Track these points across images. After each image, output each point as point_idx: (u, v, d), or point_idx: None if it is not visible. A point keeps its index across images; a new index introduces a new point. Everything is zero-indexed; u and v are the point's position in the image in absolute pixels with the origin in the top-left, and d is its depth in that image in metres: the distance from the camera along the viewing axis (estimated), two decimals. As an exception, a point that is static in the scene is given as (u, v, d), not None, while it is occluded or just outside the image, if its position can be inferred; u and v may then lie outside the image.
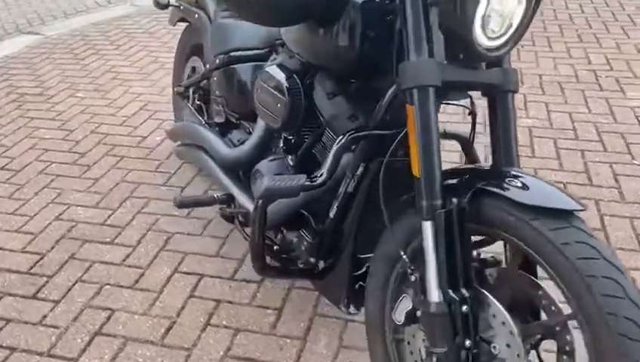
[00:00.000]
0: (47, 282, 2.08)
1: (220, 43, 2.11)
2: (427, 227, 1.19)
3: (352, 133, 1.43)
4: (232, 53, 2.04)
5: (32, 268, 2.16)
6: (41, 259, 2.20)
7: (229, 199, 1.81)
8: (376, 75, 1.47)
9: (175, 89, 2.63)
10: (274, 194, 1.48)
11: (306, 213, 1.68)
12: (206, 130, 2.11)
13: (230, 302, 1.97)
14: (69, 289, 2.04)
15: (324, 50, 1.47)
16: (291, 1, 1.28)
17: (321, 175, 1.43)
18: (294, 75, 1.62)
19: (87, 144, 3.01)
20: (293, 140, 1.75)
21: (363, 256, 1.60)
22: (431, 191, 1.19)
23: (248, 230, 1.83)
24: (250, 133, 2.00)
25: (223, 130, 2.13)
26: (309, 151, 1.69)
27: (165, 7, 2.52)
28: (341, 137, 1.44)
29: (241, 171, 1.97)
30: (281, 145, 1.79)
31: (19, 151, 2.96)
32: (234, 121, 2.09)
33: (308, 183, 1.41)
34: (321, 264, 1.63)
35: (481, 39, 1.22)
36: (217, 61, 2.09)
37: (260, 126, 1.86)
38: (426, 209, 1.19)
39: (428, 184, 1.19)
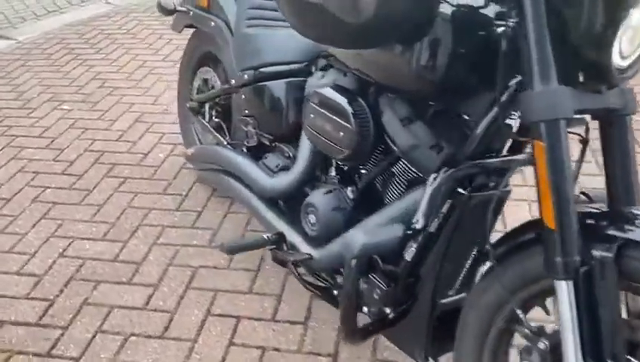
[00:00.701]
0: (62, 335, 1.83)
1: (248, 56, 1.87)
2: (564, 288, 1.01)
3: (451, 170, 1.22)
4: (266, 69, 1.81)
5: (41, 317, 1.90)
6: (51, 305, 1.94)
7: (281, 239, 1.58)
8: (463, 97, 1.26)
9: (187, 104, 2.38)
10: (373, 252, 1.27)
11: (374, 256, 1.48)
12: (238, 154, 1.88)
13: (277, 350, 1.75)
14: (89, 343, 1.79)
15: (401, 68, 1.26)
16: (387, 20, 1.06)
17: (417, 221, 1.22)
18: (358, 98, 1.41)
19: (82, 164, 2.73)
20: (351, 170, 1.54)
21: (444, 300, 1.41)
22: (569, 246, 1.00)
23: (305, 274, 1.62)
24: (289, 157, 1.77)
25: (256, 153, 1.90)
26: (373, 183, 1.49)
27: (171, 12, 2.26)
28: (437, 175, 1.23)
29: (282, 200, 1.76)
30: (334, 173, 1.58)
31: (6, 176, 2.67)
32: (267, 143, 1.86)
33: (409, 233, 1.20)
34: (394, 311, 1.43)
35: (616, 59, 1.03)
36: (246, 77, 1.86)
37: (305, 151, 1.65)
38: (563, 267, 1.00)
39: (565, 237, 1.00)
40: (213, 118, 2.21)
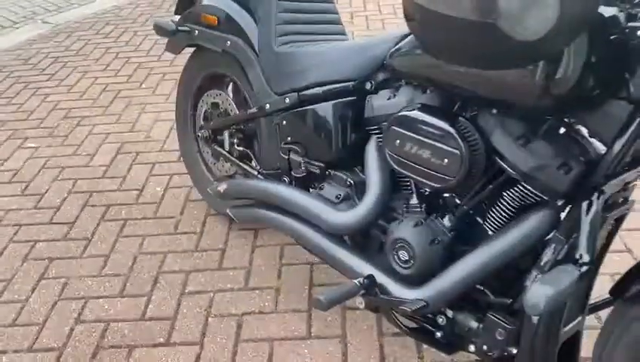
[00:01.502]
0: (108, 419, 1.57)
1: (286, 77, 1.67)
2: None
3: (603, 193, 1.09)
4: (311, 91, 1.62)
5: (76, 401, 1.63)
6: (83, 384, 1.68)
7: (373, 282, 1.40)
8: (591, 109, 1.14)
9: (199, 132, 2.14)
10: (559, 302, 1.11)
11: (482, 288, 1.33)
12: (290, 188, 1.67)
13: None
14: (145, 424, 1.55)
15: (522, 81, 1.11)
16: (564, 32, 0.90)
17: (580, 256, 1.08)
18: (460, 117, 1.25)
19: (70, 209, 2.43)
20: (442, 197, 1.38)
21: (565, 328, 1.29)
22: None
23: (402, 318, 1.45)
24: (350, 185, 1.59)
25: (304, 184, 1.71)
26: (477, 211, 1.34)
27: (173, 33, 2.01)
28: (590, 202, 1.09)
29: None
30: (416, 201, 1.42)
31: (-17, 233, 2.33)
32: (318, 172, 1.67)
33: (583, 271, 1.05)
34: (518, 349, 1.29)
35: None
36: (288, 100, 1.66)
37: (376, 178, 1.48)
38: None
39: None
40: (236, 145, 1.99)
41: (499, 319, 1.27)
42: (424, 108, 1.31)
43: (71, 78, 3.64)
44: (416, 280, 1.37)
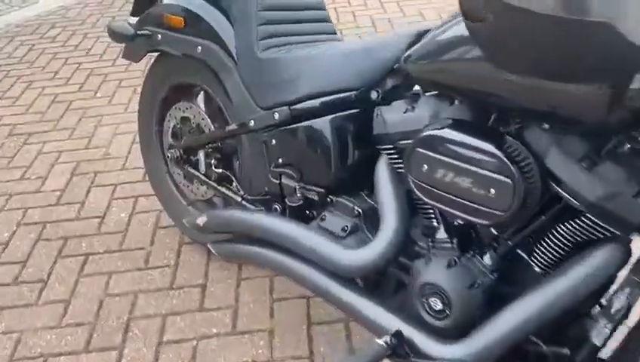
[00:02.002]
0: None
1: (275, 88, 1.41)
2: None
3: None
4: (305, 104, 1.35)
5: None
6: None
7: (401, 340, 1.15)
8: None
9: (168, 153, 1.84)
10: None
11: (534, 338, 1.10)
12: (284, 221, 1.41)
13: None
14: None
15: (587, 90, 0.88)
16: None
17: None
18: (507, 136, 1.01)
19: (21, 245, 2.10)
20: (485, 231, 1.14)
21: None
22: None
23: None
24: (358, 214, 1.34)
25: (301, 213, 1.45)
26: (522, 245, 1.10)
27: (132, 38, 1.71)
28: None
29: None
30: (444, 235, 1.18)
31: None
32: (317, 199, 1.41)
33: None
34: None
35: None
36: (278, 116, 1.39)
37: (392, 206, 1.23)
38: None
39: None
40: (214, 167, 1.71)
41: None
42: (458, 124, 1.06)
43: (15, 89, 3.27)
44: (453, 333, 1.13)
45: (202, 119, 1.75)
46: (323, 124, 1.34)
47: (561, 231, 1.04)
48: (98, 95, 3.15)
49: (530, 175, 0.98)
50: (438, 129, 1.06)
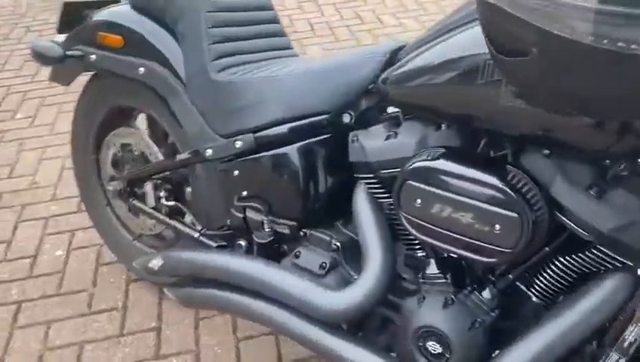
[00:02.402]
0: None
1: (233, 114, 1.26)
2: None
3: None
4: (271, 131, 1.22)
5: None
6: None
7: None
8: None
9: (110, 186, 1.65)
10: None
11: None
12: (253, 261, 1.26)
13: None
14: None
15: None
16: None
17: None
18: (508, 165, 0.92)
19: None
20: (484, 266, 1.05)
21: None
22: None
23: None
24: (336, 248, 1.22)
25: (273, 250, 1.31)
26: (520, 278, 1.02)
27: (61, 60, 1.51)
28: None
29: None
30: (435, 270, 1.08)
31: None
32: (288, 233, 1.28)
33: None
34: None
35: None
36: (240, 144, 1.25)
37: (375, 238, 1.12)
38: None
39: None
40: (164, 200, 1.54)
41: None
42: (452, 153, 0.97)
43: None
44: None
45: (147, 146, 1.58)
46: (292, 151, 1.21)
47: (565, 263, 0.96)
48: (18, 116, 2.86)
49: (538, 207, 0.89)
50: (431, 159, 0.96)
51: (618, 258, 0.91)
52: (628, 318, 0.93)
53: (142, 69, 1.40)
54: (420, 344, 1.06)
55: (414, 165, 0.98)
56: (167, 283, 1.46)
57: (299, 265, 1.24)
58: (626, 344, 0.93)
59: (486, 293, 1.04)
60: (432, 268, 1.09)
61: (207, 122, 1.32)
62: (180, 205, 1.53)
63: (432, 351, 1.05)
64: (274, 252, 1.31)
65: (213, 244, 1.42)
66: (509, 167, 0.92)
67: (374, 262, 1.11)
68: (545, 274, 1.00)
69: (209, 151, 1.31)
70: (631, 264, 0.91)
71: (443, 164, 0.95)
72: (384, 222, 1.14)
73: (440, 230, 0.97)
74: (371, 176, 1.12)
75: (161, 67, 1.38)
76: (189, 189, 1.49)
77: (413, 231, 1.01)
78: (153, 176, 1.55)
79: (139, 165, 1.59)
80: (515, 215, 0.88)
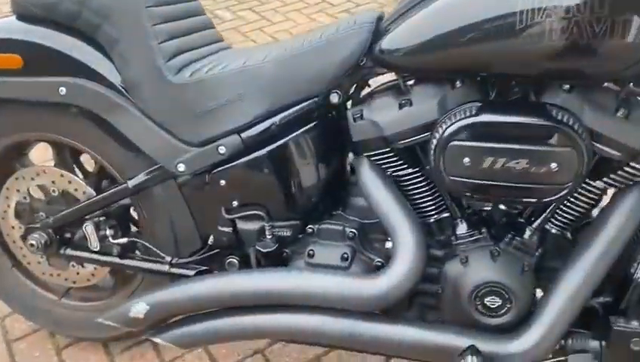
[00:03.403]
0: None
1: (207, 117, 1.11)
2: None
3: None
4: (259, 127, 1.10)
5: None
6: None
7: (477, 353, 1.01)
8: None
9: (31, 241, 1.34)
10: None
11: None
12: (267, 273, 1.12)
13: None
14: None
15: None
16: None
17: None
18: (548, 105, 0.94)
19: None
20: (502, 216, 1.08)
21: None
22: None
23: None
24: (352, 236, 1.15)
25: (277, 258, 1.18)
26: (558, 216, 1.06)
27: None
28: None
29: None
30: (464, 229, 1.08)
31: None
32: (289, 235, 1.17)
33: None
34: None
35: None
36: (224, 149, 1.11)
37: (400, 213, 1.07)
38: None
39: None
40: (110, 239, 1.29)
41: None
42: (489, 105, 0.97)
43: None
44: (515, 325, 1.06)
45: (69, 182, 1.33)
46: (286, 144, 1.11)
47: (591, 189, 1.03)
48: None
49: (584, 137, 0.93)
50: (473, 115, 0.95)
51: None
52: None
53: (63, 89, 1.16)
54: (478, 303, 1.06)
55: (456, 125, 0.95)
56: (147, 331, 1.24)
57: (317, 264, 1.15)
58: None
59: (526, 236, 1.06)
60: (463, 228, 1.09)
61: (170, 133, 1.14)
62: (135, 239, 1.31)
63: (491, 306, 1.05)
64: (278, 259, 1.19)
65: (190, 273, 1.26)
66: (548, 106, 0.94)
67: (406, 238, 1.07)
68: (575, 203, 1.05)
69: (181, 166, 1.14)
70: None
71: (487, 117, 0.94)
72: (401, 196, 1.10)
73: (493, 183, 0.96)
74: (386, 150, 1.07)
75: (90, 82, 1.16)
76: (143, 218, 1.29)
77: (462, 191, 0.99)
78: (87, 216, 1.30)
79: (62, 207, 1.33)
80: (570, 149, 0.91)
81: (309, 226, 1.17)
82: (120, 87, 1.16)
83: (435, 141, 0.98)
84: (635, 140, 0.95)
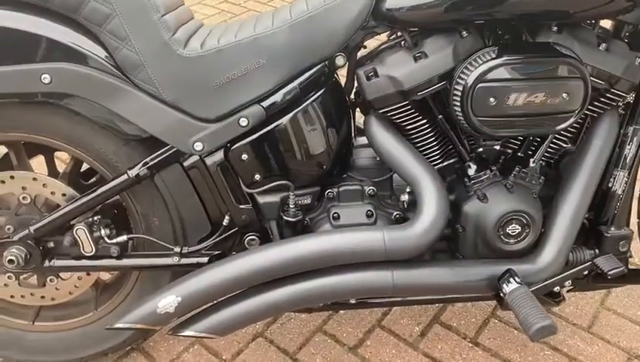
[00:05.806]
0: None
1: (231, 87, 1.07)
2: None
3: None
4: (279, 93, 1.09)
5: None
6: None
7: (514, 273, 1.10)
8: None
9: (6, 256, 1.16)
10: None
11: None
12: (299, 241, 1.10)
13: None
14: None
15: None
16: None
17: None
18: (554, 44, 1.06)
19: None
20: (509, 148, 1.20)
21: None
22: None
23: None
24: (372, 193, 1.19)
25: (298, 226, 1.18)
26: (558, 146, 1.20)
27: None
28: None
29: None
30: (473, 171, 1.19)
31: None
32: (310, 202, 1.18)
33: None
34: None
35: None
36: (247, 121, 1.09)
37: (415, 162, 1.14)
38: None
39: None
40: (106, 239, 1.17)
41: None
42: (505, 47, 1.06)
43: None
44: (532, 245, 1.18)
45: (44, 185, 1.18)
46: (307, 109, 1.11)
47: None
48: None
49: (586, 67, 1.07)
50: (495, 57, 1.04)
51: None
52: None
53: (46, 77, 1.04)
54: (500, 233, 1.16)
55: (481, 68, 1.03)
56: (171, 326, 1.16)
57: (344, 225, 1.17)
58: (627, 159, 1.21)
59: (531, 165, 1.19)
60: (474, 170, 1.19)
61: (183, 112, 1.08)
62: (136, 235, 1.21)
63: (512, 233, 1.16)
64: (300, 229, 1.19)
65: (203, 260, 1.20)
66: (553, 45, 1.07)
67: (430, 185, 1.13)
68: (564, 135, 1.20)
69: (198, 145, 1.09)
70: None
71: (509, 59, 1.03)
72: (413, 148, 1.17)
73: (515, 118, 1.06)
74: (403, 104, 1.13)
75: (79, 65, 1.05)
76: (135, 213, 1.20)
77: (489, 131, 1.07)
78: (73, 220, 1.17)
79: (35, 216, 1.18)
80: (579, 77, 1.05)
81: (329, 191, 1.19)
82: (114, 70, 1.06)
83: (459, 87, 1.06)
84: (616, 68, 1.12)
